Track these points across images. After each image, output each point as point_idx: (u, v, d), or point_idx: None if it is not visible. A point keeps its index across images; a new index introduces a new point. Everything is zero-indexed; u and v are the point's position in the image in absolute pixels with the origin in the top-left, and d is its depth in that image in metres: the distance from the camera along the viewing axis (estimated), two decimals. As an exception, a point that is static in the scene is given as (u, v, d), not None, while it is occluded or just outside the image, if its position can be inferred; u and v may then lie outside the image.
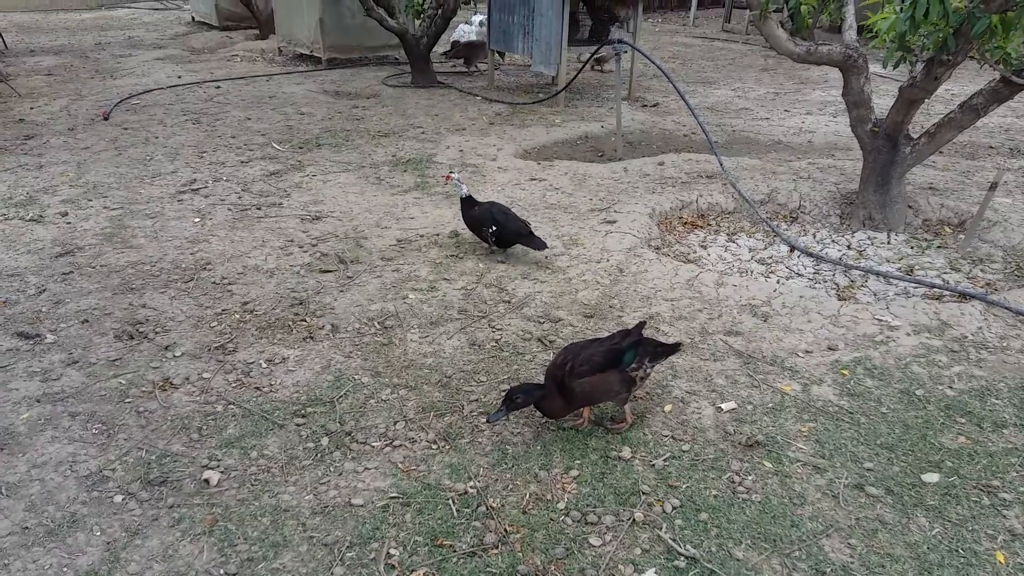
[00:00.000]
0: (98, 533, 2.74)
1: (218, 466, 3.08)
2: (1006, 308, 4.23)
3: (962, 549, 2.68)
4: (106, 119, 8.43)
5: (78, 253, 5.02)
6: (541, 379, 3.39)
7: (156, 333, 4.07)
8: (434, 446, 3.22)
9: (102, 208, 5.80)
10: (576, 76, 9.20)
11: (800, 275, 5.04)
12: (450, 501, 2.90)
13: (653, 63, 7.13)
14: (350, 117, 8.87)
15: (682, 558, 2.63)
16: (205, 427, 3.32)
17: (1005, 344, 3.99)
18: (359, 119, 8.78)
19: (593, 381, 3.15)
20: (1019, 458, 3.12)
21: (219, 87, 10.39)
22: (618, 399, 3.27)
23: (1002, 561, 2.63)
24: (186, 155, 7.21)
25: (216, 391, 3.58)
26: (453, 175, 5.14)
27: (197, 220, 5.62)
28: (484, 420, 3.23)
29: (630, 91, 10.36)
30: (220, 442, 3.22)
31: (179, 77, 10.91)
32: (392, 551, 2.66)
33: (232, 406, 3.47)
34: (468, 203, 5.06)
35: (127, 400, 3.50)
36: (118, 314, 4.25)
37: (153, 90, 9.98)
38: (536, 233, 5.01)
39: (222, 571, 2.59)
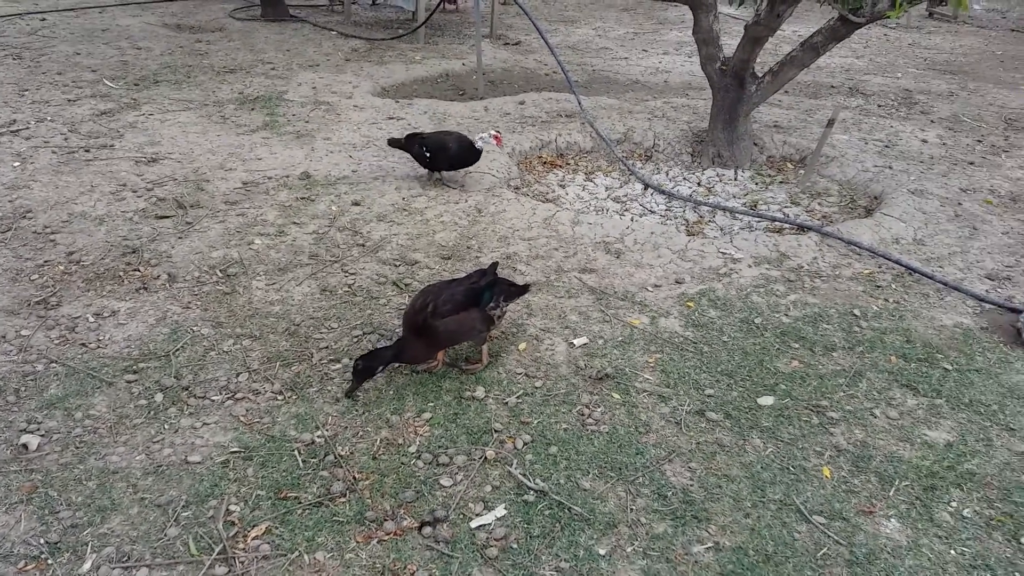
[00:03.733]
0: None
1: (38, 429, 2.83)
2: (839, 239, 4.47)
3: (792, 466, 2.83)
4: (-94, 52, 7.50)
5: None
6: (397, 323, 3.30)
7: (-34, 289, 3.69)
8: (280, 397, 3.08)
9: (-99, 152, 5.18)
10: (433, 13, 8.93)
11: (653, 212, 5.15)
12: (296, 452, 2.80)
13: (515, 1, 7.00)
14: (192, 52, 8.27)
15: (531, 492, 2.65)
16: (23, 388, 3.05)
17: (837, 272, 4.22)
18: (202, 54, 8.21)
19: (458, 319, 3.13)
20: (845, 379, 3.33)
21: (44, 20, 9.43)
22: (478, 338, 3.26)
23: (828, 475, 2.80)
24: (4, 93, 6.51)
25: (36, 349, 3.28)
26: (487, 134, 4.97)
27: (16, 164, 5.10)
28: (344, 396, 3.10)
29: (492, 29, 10.18)
30: (40, 403, 2.96)
31: (-4, 7, 9.85)
32: (232, 507, 2.54)
33: (54, 364, 3.19)
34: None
35: (-70, 363, 3.16)
36: (-80, 269, 3.82)
37: (-36, 20, 8.96)
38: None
39: (43, 540, 2.40)
